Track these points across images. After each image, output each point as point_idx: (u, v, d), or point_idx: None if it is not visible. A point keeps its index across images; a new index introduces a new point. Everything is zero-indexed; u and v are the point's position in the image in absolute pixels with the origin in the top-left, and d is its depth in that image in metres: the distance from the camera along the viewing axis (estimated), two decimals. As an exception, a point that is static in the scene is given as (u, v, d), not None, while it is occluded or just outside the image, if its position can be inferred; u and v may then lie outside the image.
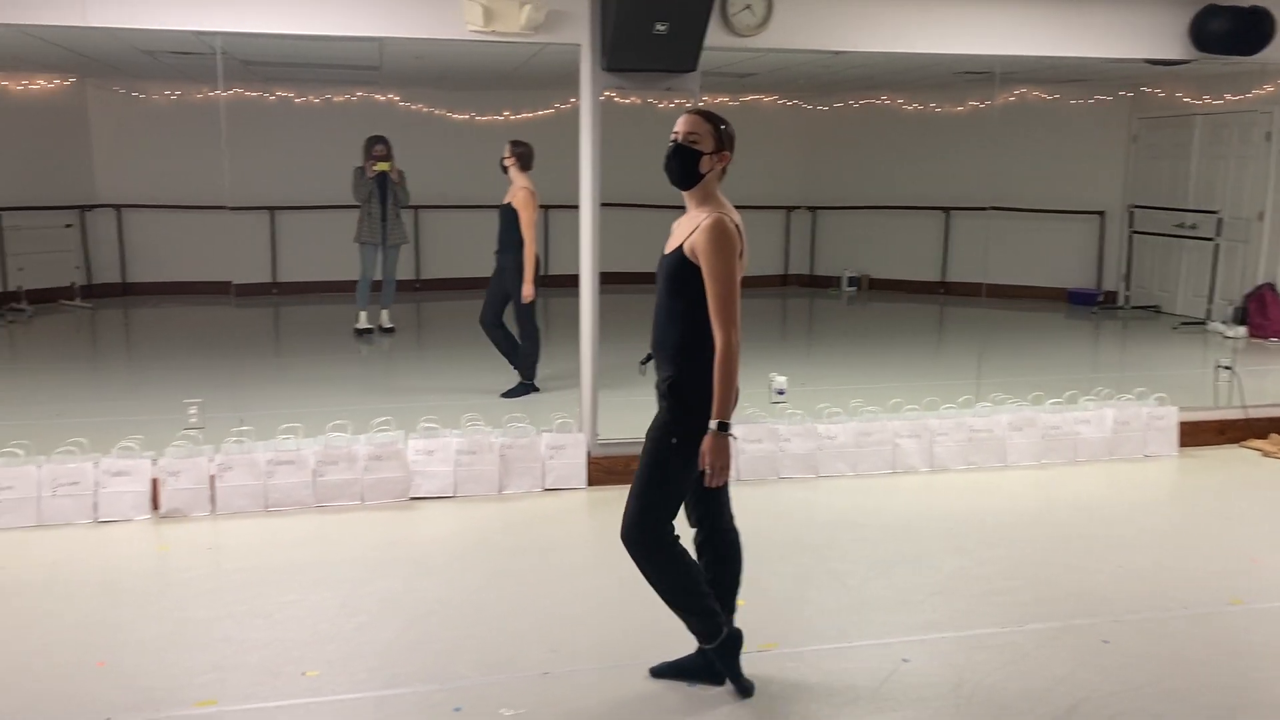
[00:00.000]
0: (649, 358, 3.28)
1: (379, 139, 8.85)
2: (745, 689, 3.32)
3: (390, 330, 9.13)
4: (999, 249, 10.55)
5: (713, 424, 3.04)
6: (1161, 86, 10.73)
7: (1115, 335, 10.24)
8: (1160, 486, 5.67)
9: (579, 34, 5.15)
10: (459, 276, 11.19)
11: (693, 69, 5.07)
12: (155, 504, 4.88)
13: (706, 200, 3.16)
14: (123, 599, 4.02)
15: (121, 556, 4.46)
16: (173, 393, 6.66)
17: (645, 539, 3.16)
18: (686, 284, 3.09)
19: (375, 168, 8.71)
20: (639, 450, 3.23)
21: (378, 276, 8.99)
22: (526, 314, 6.77)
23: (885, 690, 3.37)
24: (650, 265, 3.31)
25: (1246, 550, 4.61)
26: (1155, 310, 10.58)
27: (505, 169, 6.80)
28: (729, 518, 3.39)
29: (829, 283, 12.48)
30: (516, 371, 6.92)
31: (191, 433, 5.18)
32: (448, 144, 11.68)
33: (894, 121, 12.20)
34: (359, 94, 11.93)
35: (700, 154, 3.09)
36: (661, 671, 3.43)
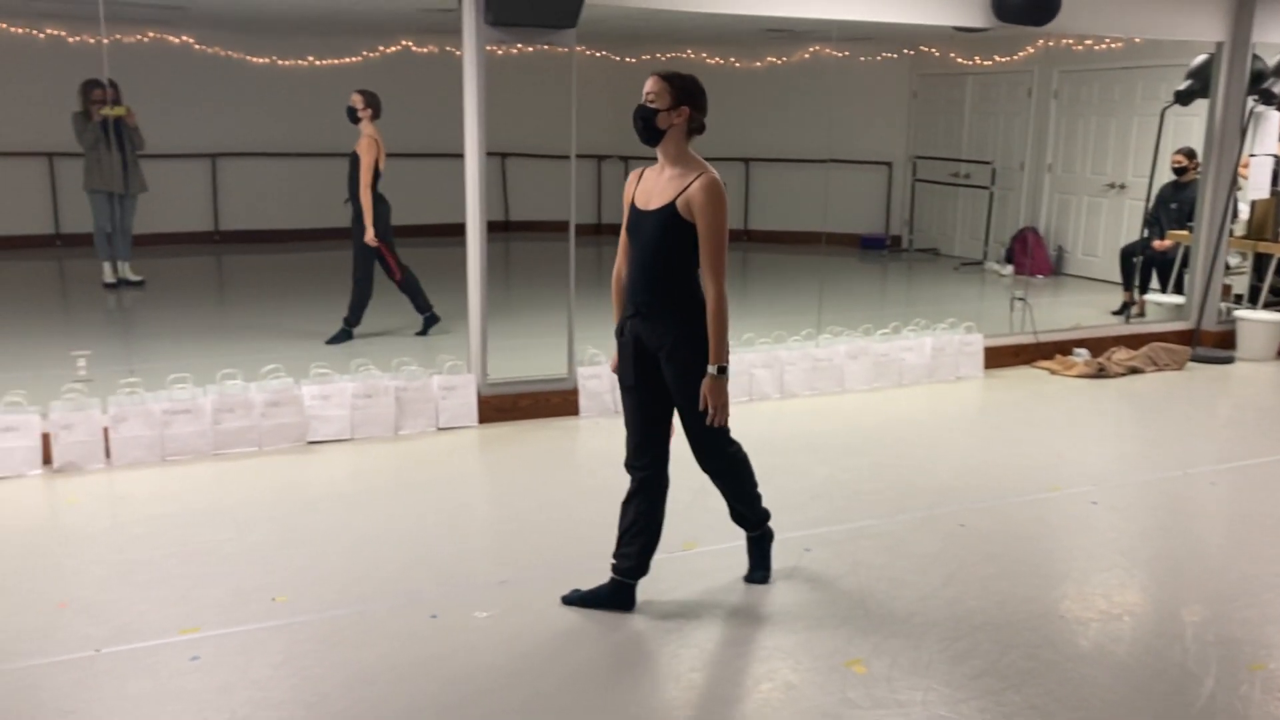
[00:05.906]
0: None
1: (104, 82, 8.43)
2: (766, 578, 3.84)
3: (140, 283, 8.86)
4: (791, 199, 11.51)
5: (712, 369, 3.32)
6: (938, 47, 11.81)
7: (905, 275, 11.32)
8: (975, 402, 6.53)
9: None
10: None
11: (572, 25, 5.36)
12: (47, 458, 4.81)
13: (681, 157, 3.35)
14: (66, 544, 4.03)
15: (37, 508, 4.41)
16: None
17: (723, 458, 3.64)
18: (681, 239, 3.30)
19: (102, 111, 8.35)
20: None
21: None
22: (364, 259, 6.92)
23: (797, 573, 3.92)
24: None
25: (1053, 448, 5.49)
26: (934, 252, 11.74)
27: (357, 118, 6.86)
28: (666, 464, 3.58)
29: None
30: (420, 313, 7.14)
31: (78, 385, 5.08)
32: (248, 88, 11.36)
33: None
34: (150, 35, 11.36)
35: (657, 111, 3.33)
36: (572, 600, 3.64)
